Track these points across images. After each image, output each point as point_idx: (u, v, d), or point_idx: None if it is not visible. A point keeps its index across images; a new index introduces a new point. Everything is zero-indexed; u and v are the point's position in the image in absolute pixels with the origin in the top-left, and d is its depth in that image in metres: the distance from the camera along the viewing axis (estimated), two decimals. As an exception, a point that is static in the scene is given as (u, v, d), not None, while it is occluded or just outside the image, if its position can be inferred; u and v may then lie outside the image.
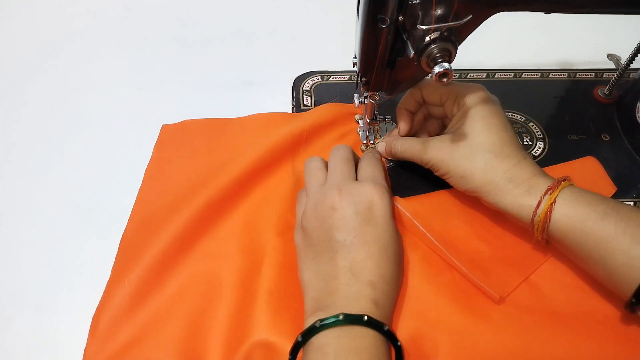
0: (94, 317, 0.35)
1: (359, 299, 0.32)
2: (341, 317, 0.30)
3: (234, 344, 0.34)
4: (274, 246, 0.39)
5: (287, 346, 0.32)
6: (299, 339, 0.31)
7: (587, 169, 0.46)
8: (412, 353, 0.34)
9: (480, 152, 0.36)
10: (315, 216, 0.35)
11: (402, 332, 0.34)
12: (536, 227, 0.34)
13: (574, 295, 0.37)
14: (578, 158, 0.46)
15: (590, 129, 0.50)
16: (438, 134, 0.43)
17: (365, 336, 0.30)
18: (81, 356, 0.34)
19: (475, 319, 0.35)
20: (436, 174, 0.40)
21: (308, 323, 0.31)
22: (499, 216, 0.40)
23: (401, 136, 0.43)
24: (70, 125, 0.50)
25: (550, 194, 0.33)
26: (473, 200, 0.40)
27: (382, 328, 0.30)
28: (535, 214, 0.34)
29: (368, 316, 0.30)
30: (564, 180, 0.34)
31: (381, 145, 0.45)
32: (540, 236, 0.34)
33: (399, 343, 0.31)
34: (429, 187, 0.44)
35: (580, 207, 0.32)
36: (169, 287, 0.37)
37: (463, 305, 0.36)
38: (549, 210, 0.33)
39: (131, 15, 0.65)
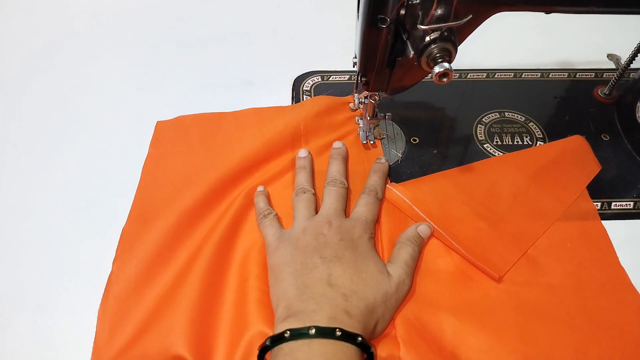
0: (99, 313, 0.36)
1: (331, 305, 0.32)
2: (313, 331, 0.30)
3: (237, 334, 0.35)
4: None
5: None
6: (267, 343, 0.31)
7: (574, 147, 0.47)
8: (420, 334, 0.34)
9: None
10: (301, 239, 0.37)
11: (407, 316, 0.35)
12: None
13: (570, 267, 0.39)
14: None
15: (590, 129, 0.50)
16: None
17: (337, 343, 0.30)
18: (81, 355, 0.34)
19: (475, 299, 0.37)
20: None
21: (278, 330, 0.31)
22: (496, 193, 0.42)
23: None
24: (70, 125, 0.50)
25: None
26: (469, 179, 0.41)
27: (356, 340, 0.30)
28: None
29: (341, 329, 0.30)
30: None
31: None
32: None
33: (371, 350, 0.31)
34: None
35: None
36: (169, 279, 0.37)
37: (463, 285, 0.37)
38: None
39: (131, 15, 0.65)
